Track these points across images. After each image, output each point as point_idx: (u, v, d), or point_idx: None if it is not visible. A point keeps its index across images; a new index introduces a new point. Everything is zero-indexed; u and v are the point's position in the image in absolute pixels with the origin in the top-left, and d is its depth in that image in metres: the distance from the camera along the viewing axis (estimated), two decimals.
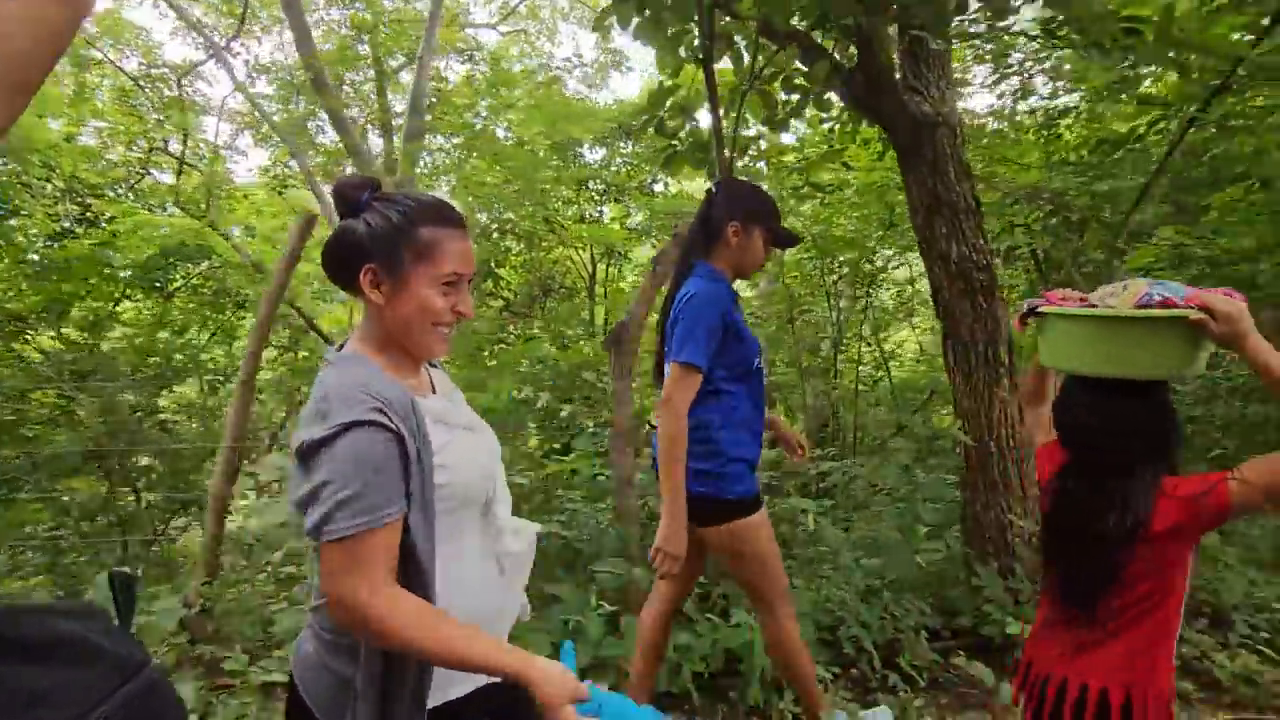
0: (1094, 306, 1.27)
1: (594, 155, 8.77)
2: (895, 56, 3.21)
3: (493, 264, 8.88)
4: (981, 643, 2.68)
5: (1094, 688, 1.23)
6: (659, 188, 8.75)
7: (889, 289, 9.80)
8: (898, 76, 3.23)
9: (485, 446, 1.14)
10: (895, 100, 2.95)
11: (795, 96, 3.26)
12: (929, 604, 2.78)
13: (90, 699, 0.37)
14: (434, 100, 7.94)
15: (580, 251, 9.25)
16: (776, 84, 3.27)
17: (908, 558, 2.90)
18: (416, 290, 1.02)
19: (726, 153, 3.09)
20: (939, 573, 3.02)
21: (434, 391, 1.15)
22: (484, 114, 8.44)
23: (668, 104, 3.19)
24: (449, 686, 1.04)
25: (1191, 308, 1.16)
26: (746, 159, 4.94)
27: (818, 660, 2.48)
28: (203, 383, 6.20)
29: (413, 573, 0.97)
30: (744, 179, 1.81)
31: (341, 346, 1.09)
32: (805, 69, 3.15)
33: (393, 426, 0.93)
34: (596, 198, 9.51)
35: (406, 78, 8.84)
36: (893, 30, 3.14)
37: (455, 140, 8.74)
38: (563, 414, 3.44)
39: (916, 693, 2.44)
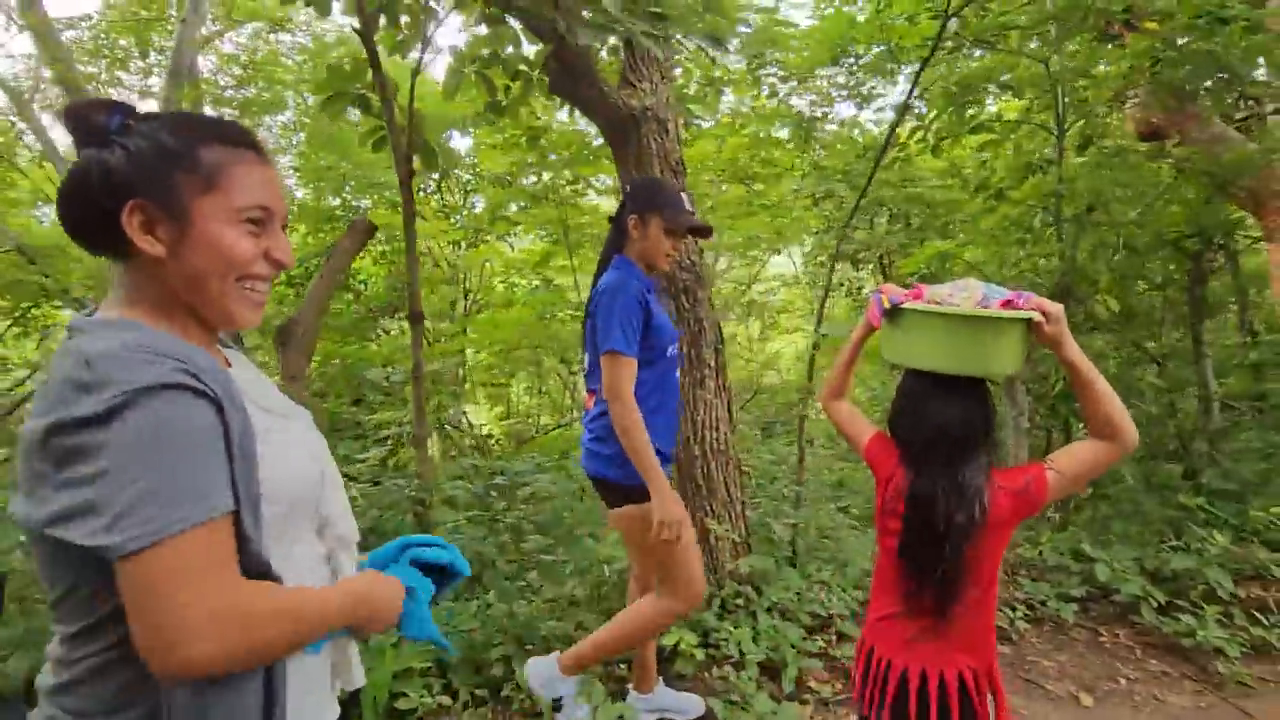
0: (939, 305, 1.26)
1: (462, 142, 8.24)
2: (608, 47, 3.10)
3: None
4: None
5: (934, 674, 1.29)
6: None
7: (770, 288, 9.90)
8: (625, 69, 3.13)
9: (311, 439, 0.91)
10: (593, 91, 2.83)
11: (518, 82, 3.10)
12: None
13: None
14: (246, 71, 7.32)
15: (440, 246, 8.83)
16: (498, 68, 3.10)
17: (598, 568, 2.80)
18: (207, 228, 0.77)
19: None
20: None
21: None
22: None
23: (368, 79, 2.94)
24: None
25: (1031, 310, 1.20)
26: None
27: (466, 684, 2.33)
28: None
29: None
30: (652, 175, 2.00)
31: (93, 314, 0.79)
32: (526, 55, 3.01)
33: (208, 390, 0.69)
34: (460, 187, 9.08)
35: (229, 47, 8.13)
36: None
37: (281, 119, 8.11)
38: None
39: None
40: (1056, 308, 1.21)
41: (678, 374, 2.04)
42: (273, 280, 0.85)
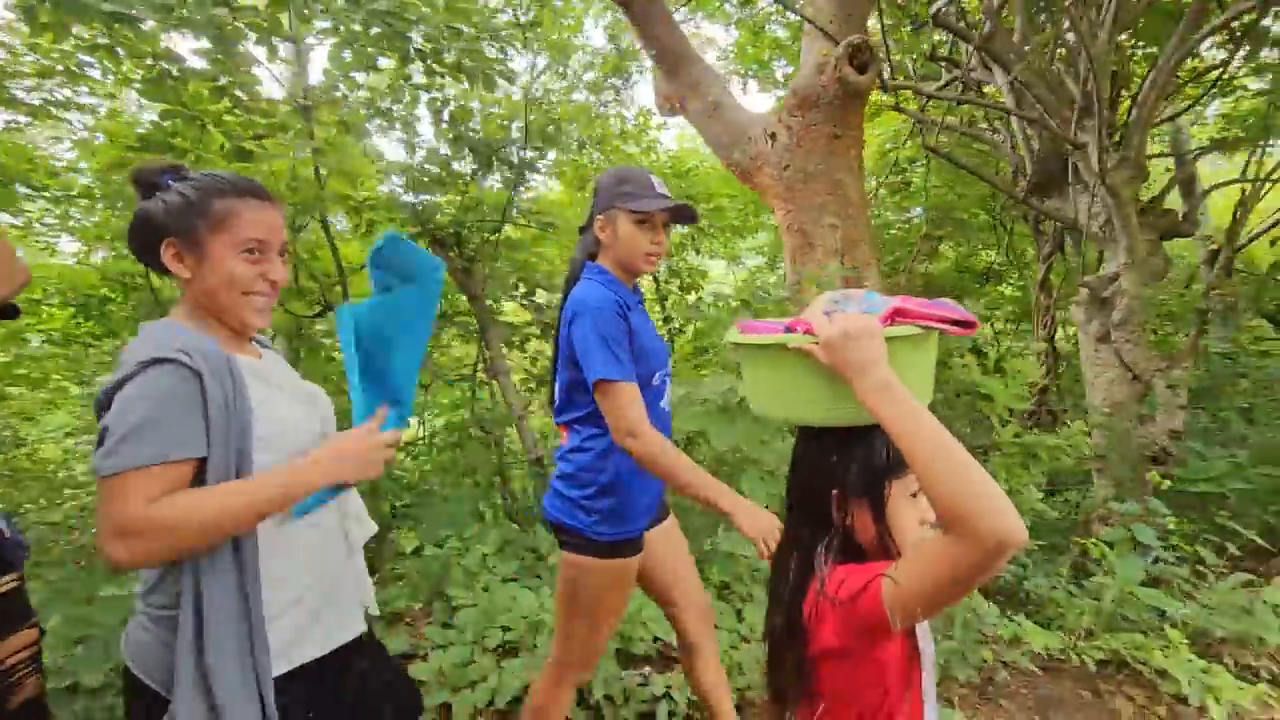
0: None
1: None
2: None
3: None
4: None
5: None
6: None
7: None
8: None
9: (316, 417, 1.16)
10: None
11: None
12: None
13: None
14: None
15: None
16: None
17: None
18: (218, 259, 1.04)
19: None
20: None
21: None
22: None
23: None
24: (301, 647, 1.04)
25: (790, 336, 0.88)
26: None
27: None
28: None
29: None
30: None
31: (162, 315, 1.09)
32: None
33: (192, 366, 0.93)
34: None
35: None
36: None
37: None
38: None
39: None
40: (831, 331, 0.83)
41: (667, 404, 1.71)
42: (277, 294, 1.11)
